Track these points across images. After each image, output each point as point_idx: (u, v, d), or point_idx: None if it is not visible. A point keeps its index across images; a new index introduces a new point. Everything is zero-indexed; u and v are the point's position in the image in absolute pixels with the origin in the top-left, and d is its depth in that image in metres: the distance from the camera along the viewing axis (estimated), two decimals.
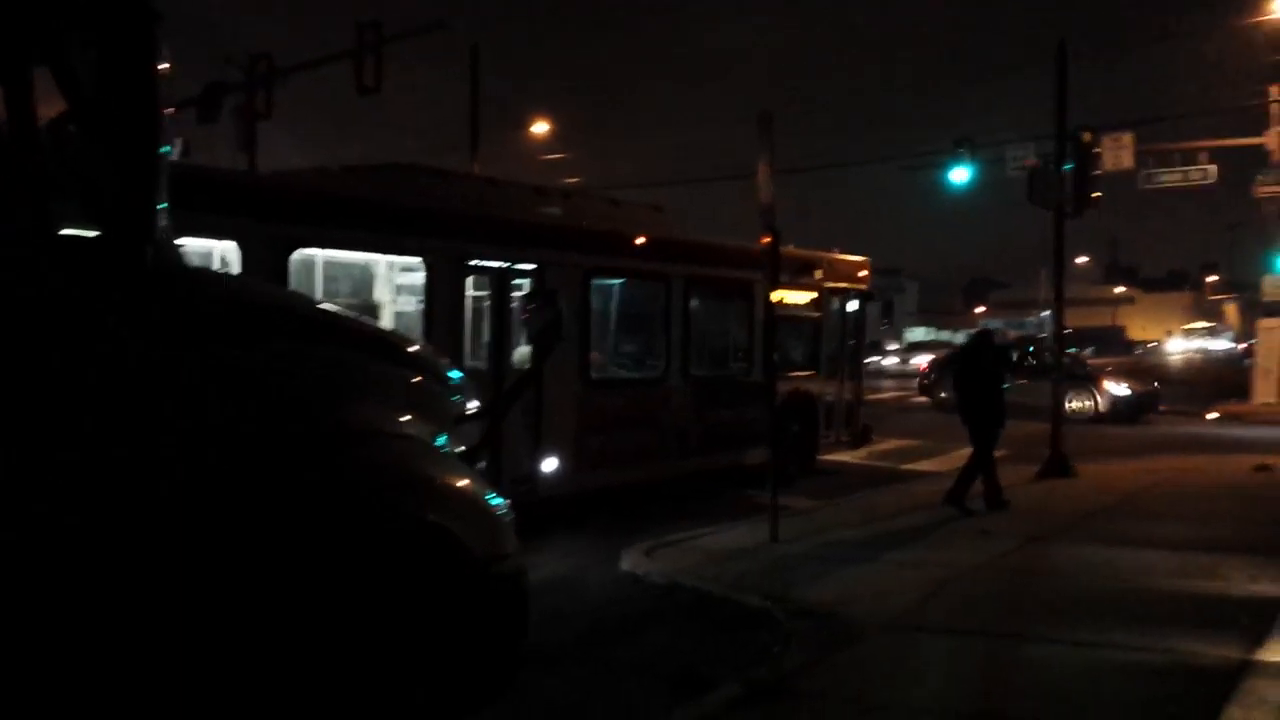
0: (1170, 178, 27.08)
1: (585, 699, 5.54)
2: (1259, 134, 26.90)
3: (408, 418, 4.07)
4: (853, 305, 15.37)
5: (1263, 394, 26.51)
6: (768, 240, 9.59)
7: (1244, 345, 52.63)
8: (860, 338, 15.89)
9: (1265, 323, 27.78)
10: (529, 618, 4.22)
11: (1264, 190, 27.27)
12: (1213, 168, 26.92)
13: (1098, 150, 21.87)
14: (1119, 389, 23.72)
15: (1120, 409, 23.01)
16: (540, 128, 34.09)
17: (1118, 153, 25.92)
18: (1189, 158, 27.06)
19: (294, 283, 8.64)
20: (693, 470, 12.43)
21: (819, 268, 14.70)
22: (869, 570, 8.13)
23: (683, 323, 12.43)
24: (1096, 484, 12.52)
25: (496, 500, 4.23)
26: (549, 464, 10.58)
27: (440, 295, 9.66)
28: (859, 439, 15.32)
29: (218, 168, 11.56)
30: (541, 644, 4.84)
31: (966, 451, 11.06)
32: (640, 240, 11.98)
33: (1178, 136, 27.74)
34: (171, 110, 4.21)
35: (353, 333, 4.13)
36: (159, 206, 3.16)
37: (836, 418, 14.75)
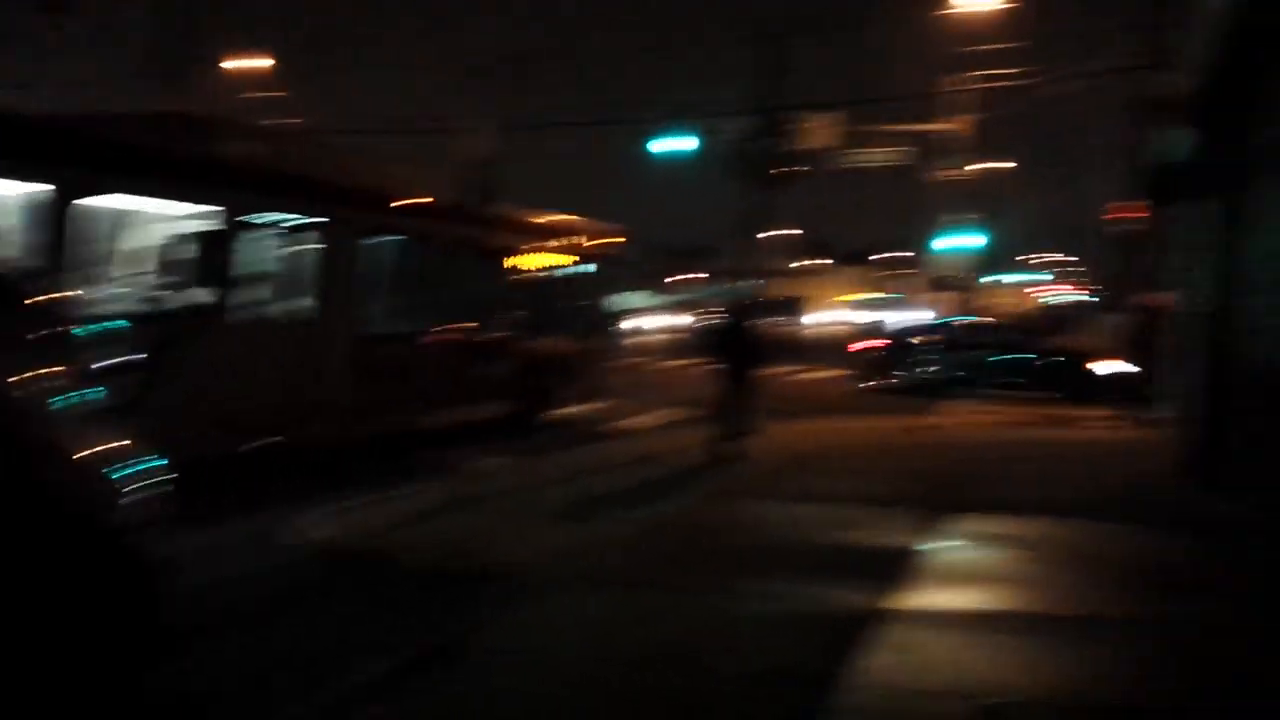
0: (866, 157, 28.98)
1: (242, 676, 5.21)
2: (947, 120, 29.12)
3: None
4: (603, 270, 16.34)
5: None
6: (481, 196, 9.36)
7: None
8: (608, 299, 16.94)
9: (937, 296, 30.35)
10: (174, 590, 3.96)
11: (945, 174, 29.66)
12: (904, 150, 29.00)
13: (803, 127, 23.10)
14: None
15: None
16: (251, 64, 32.16)
17: (821, 132, 27.42)
18: (882, 139, 29.04)
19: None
20: (451, 421, 12.80)
21: (575, 233, 15.60)
22: (552, 529, 8.16)
23: (446, 281, 12.77)
24: (775, 443, 13.19)
25: (147, 464, 3.92)
26: (319, 413, 10.75)
27: (225, 249, 9.55)
28: (602, 393, 16.19)
29: None
30: (197, 620, 4.54)
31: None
32: (412, 201, 12.37)
33: (876, 120, 29.70)
34: None
35: None
36: None
37: (584, 374, 15.56)
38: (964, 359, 21.38)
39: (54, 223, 8.12)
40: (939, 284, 30.41)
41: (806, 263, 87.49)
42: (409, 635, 5.56)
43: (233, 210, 9.74)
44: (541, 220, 15.30)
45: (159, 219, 9.59)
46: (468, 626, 5.70)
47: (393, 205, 12.34)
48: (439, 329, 13.16)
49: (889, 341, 22.77)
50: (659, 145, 25.32)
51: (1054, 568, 6.89)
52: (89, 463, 3.90)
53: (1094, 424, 16.42)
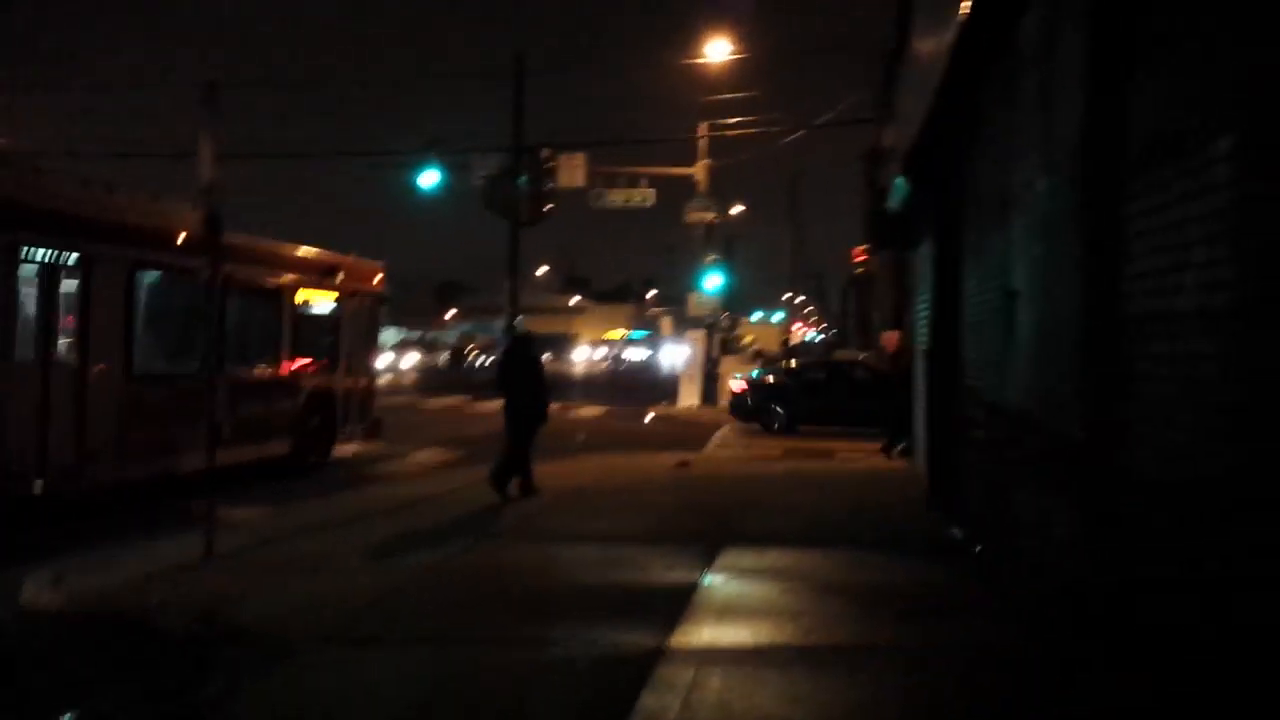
0: (616, 198, 29.59)
1: None
2: (692, 165, 30.35)
3: None
4: (367, 307, 16.50)
5: (687, 398, 29.79)
6: (207, 224, 8.75)
7: (655, 354, 59.01)
8: (374, 337, 17.17)
9: (691, 334, 31.30)
10: None
11: (692, 216, 30.69)
12: (652, 192, 29.82)
13: (553, 166, 23.26)
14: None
15: None
16: None
17: (572, 171, 27.75)
18: (633, 181, 29.76)
19: None
20: (227, 462, 11.44)
21: (339, 270, 15.76)
22: (310, 581, 7.67)
23: (219, 318, 11.67)
24: (544, 483, 13.08)
25: None
26: (90, 457, 10.86)
27: None
28: (371, 431, 16.47)
29: None
30: None
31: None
32: (183, 237, 12.06)
33: (627, 161, 30.45)
34: None
35: None
36: None
37: (352, 412, 15.90)
38: (818, 399, 22.15)
39: None
40: (695, 321, 31.34)
41: (567, 299, 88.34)
42: (153, 705, 5.08)
43: None
44: (304, 254, 15.20)
45: None
46: (218, 693, 5.26)
47: (151, 239, 12.05)
48: (252, 366, 13.56)
49: (745, 387, 23.24)
50: (425, 178, 24.93)
51: (822, 598, 7.11)
52: None
53: (858, 456, 17.34)
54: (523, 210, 15.12)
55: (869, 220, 28.76)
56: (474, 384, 30.06)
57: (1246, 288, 3.26)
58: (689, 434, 21.10)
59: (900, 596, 7.23)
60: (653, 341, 75.51)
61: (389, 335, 76.56)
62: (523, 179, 15.05)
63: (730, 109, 30.36)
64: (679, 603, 6.86)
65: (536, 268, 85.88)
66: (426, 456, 16.42)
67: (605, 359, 64.66)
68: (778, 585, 7.48)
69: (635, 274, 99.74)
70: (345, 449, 15.59)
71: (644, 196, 29.70)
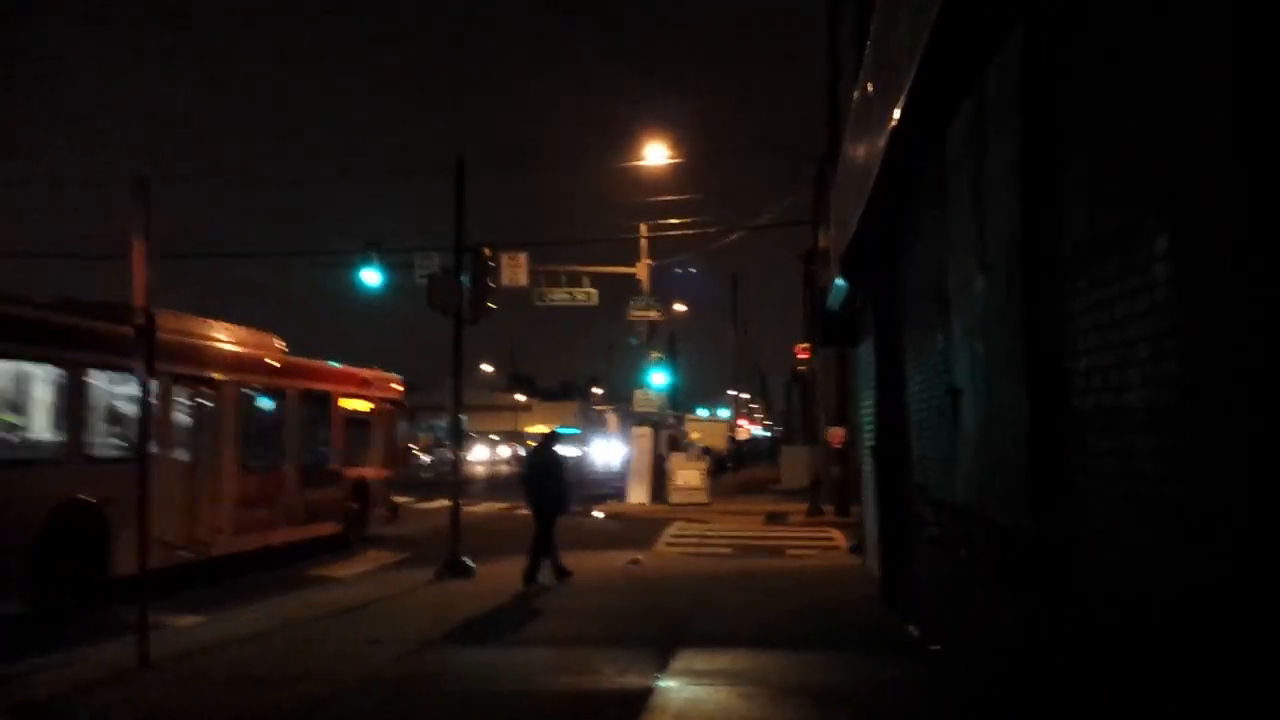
0: (559, 296, 29.81)
1: None
2: (633, 264, 30.71)
3: None
4: (390, 411, 20.29)
5: (636, 495, 29.58)
6: (142, 324, 8.51)
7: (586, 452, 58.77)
8: (395, 435, 20.79)
9: (636, 430, 31.21)
10: None
11: (635, 314, 30.93)
12: (594, 290, 30.08)
13: (494, 265, 23.39)
14: None
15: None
16: None
17: (514, 270, 28.02)
18: (575, 280, 30.02)
19: None
20: (300, 538, 16.23)
21: (371, 382, 19.59)
22: (253, 693, 7.41)
23: (296, 424, 16.57)
24: (491, 584, 12.84)
25: None
26: (217, 531, 14.11)
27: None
28: (390, 516, 19.87)
29: None
30: None
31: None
32: (272, 361, 16.12)
33: (569, 260, 30.74)
34: None
35: None
36: None
37: (380, 500, 19.34)
38: None
39: None
40: (641, 418, 31.33)
41: (512, 397, 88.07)
42: None
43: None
44: (346, 370, 19.12)
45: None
46: None
47: (247, 366, 15.45)
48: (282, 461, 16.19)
49: None
50: (367, 277, 25.00)
51: (779, 701, 7.01)
52: None
53: (809, 553, 17.28)
54: (466, 309, 15.07)
55: (811, 319, 29.23)
56: (416, 483, 29.55)
57: (1190, 383, 3.33)
58: (639, 532, 20.89)
59: (858, 697, 7.14)
60: (584, 439, 74.21)
61: None
62: (464, 278, 15.06)
63: (670, 210, 30.92)
64: (633, 709, 6.71)
65: (479, 365, 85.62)
66: (376, 556, 16.25)
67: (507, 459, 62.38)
68: (734, 689, 7.34)
69: (578, 372, 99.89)
70: (382, 529, 19.15)
71: (586, 295, 29.97)
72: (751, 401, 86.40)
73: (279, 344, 16.68)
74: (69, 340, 11.45)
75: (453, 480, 15.43)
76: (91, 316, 11.75)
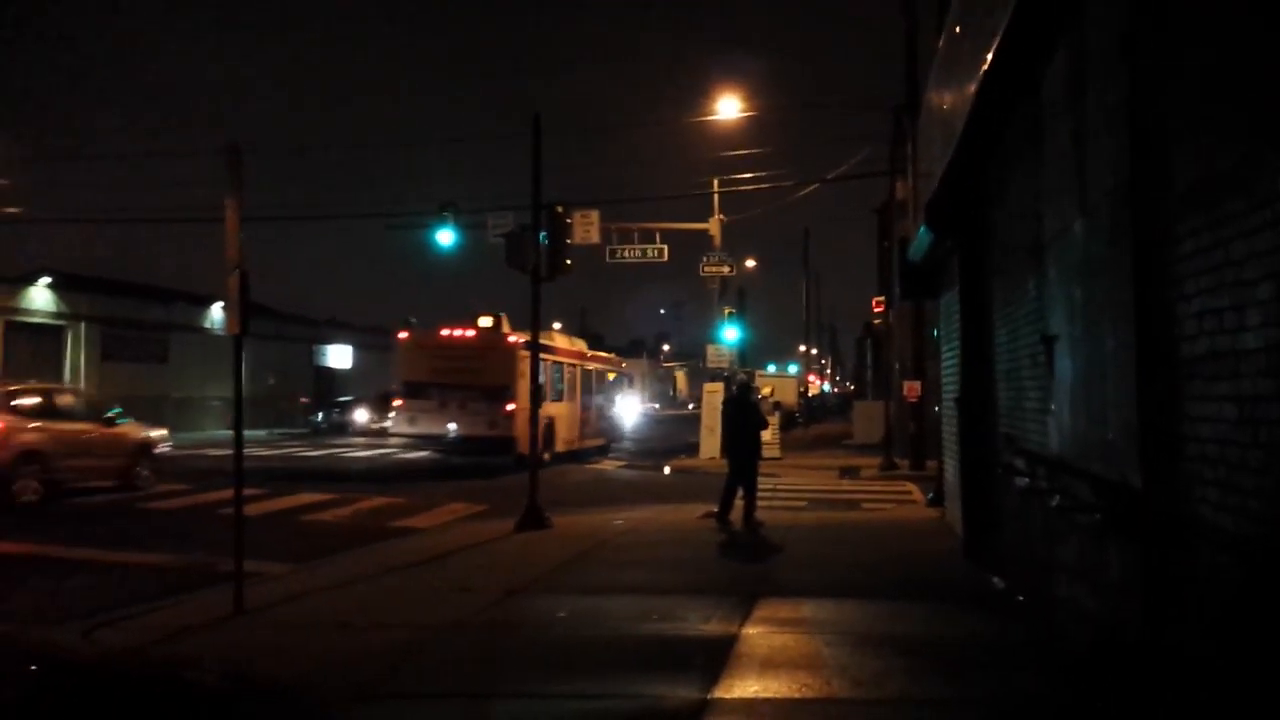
0: (630, 254, 29.78)
1: None
2: (704, 220, 30.52)
3: None
4: (621, 377, 34.60)
5: (708, 450, 29.61)
6: (590, 345, 9.12)
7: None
8: (622, 392, 36.17)
9: (708, 387, 31.20)
10: None
11: (707, 270, 30.80)
12: (664, 247, 30.03)
13: (569, 224, 23.45)
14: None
15: None
16: None
17: (586, 227, 28.00)
18: (646, 237, 29.96)
19: None
20: (590, 445, 31.01)
21: (616, 361, 35.65)
22: (344, 637, 7.60)
23: (592, 385, 31.73)
24: (570, 535, 12.98)
25: None
26: (574, 439, 29.59)
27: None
28: (619, 438, 35.43)
29: None
30: None
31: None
32: (584, 353, 31.79)
33: (640, 218, 30.67)
34: None
35: None
36: None
37: (619, 429, 35.25)
38: None
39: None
40: (713, 373, 31.32)
41: None
42: None
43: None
44: (604, 354, 34.75)
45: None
46: None
47: (577, 355, 30.99)
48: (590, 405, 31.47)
49: None
50: (442, 237, 25.27)
51: (865, 651, 6.96)
52: None
53: (885, 506, 17.19)
54: (543, 266, 15.12)
55: (885, 273, 28.81)
56: None
57: None
58: (712, 486, 20.88)
59: (944, 648, 7.09)
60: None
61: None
62: (543, 236, 15.08)
63: (742, 165, 30.62)
64: (719, 655, 6.74)
65: (552, 323, 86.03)
66: (454, 508, 16.51)
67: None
68: (819, 637, 7.34)
69: (645, 329, 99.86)
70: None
71: (658, 252, 29.91)
72: (822, 358, 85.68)
73: (581, 344, 32.65)
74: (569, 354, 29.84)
75: (532, 434, 15.56)
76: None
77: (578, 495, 18.25)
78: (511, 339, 25.33)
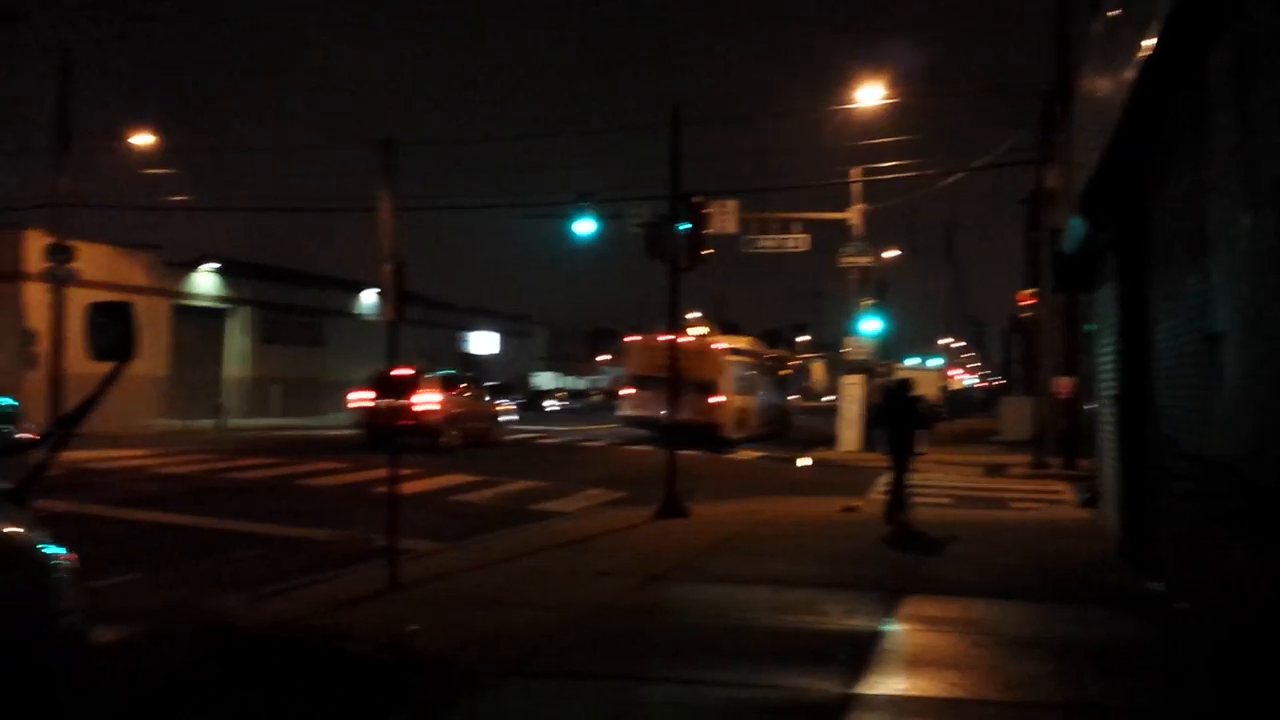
0: (769, 243, 29.66)
1: None
2: (843, 209, 30.15)
3: None
4: (792, 372, 41.67)
5: (846, 442, 29.32)
6: (768, 344, 9.52)
7: None
8: (789, 386, 43.01)
9: (847, 378, 30.84)
10: (96, 681, 3.62)
11: (847, 260, 30.43)
12: (805, 237, 29.80)
13: (707, 212, 23.51)
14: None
15: None
16: (142, 139, 31.95)
17: (723, 217, 28.02)
18: (785, 226, 29.78)
19: None
20: (763, 433, 35.68)
21: (785, 357, 44.74)
22: (491, 615, 7.86)
23: (765, 380, 38.58)
24: (708, 524, 13.06)
25: (50, 549, 3.61)
26: (753, 425, 35.49)
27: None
28: (789, 427, 40.27)
29: None
30: (114, 712, 4.15)
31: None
32: (761, 352, 41.22)
33: (777, 207, 30.52)
34: None
35: None
36: None
37: (787, 419, 41.04)
38: None
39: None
40: (852, 365, 30.96)
41: None
42: None
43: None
44: (776, 351, 41.86)
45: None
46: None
47: (758, 355, 39.01)
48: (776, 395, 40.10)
49: None
50: (580, 227, 25.70)
51: (1015, 652, 6.82)
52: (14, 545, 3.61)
53: (1034, 506, 16.76)
54: (682, 256, 15.24)
55: (1033, 265, 27.93)
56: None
57: None
58: (850, 479, 20.71)
59: (1098, 653, 6.90)
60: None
61: (544, 379, 78.20)
62: (683, 225, 15.19)
63: (884, 153, 30.05)
64: (862, 650, 6.71)
65: (688, 312, 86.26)
66: (592, 494, 16.99)
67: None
68: (967, 637, 7.22)
69: (782, 319, 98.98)
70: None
71: (797, 241, 29.71)
72: (965, 351, 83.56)
73: (760, 344, 40.05)
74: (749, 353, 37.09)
75: (667, 425, 15.73)
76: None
77: (716, 485, 18.31)
78: (715, 345, 32.22)
